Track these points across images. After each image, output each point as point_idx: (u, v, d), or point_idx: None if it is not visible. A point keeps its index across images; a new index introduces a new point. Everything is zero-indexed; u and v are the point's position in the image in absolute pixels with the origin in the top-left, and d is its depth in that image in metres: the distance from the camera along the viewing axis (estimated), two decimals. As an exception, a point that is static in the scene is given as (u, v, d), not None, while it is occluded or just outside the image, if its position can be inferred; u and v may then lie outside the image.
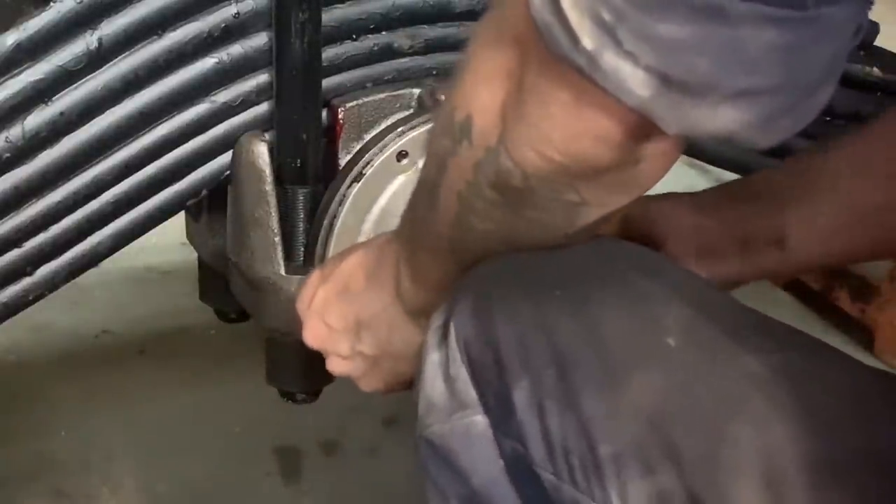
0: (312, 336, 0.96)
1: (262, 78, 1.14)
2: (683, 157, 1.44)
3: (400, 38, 1.19)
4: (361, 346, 0.93)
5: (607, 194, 0.72)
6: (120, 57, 1.07)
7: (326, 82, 1.15)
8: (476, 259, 0.79)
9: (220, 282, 1.28)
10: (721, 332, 0.72)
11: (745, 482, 0.66)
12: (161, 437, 1.62)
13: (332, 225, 1.15)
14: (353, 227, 1.16)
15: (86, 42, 1.05)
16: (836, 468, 0.66)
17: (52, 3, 1.03)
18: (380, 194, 1.16)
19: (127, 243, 1.16)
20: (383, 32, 1.18)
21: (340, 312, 0.94)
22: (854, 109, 1.40)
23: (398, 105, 1.18)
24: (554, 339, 0.74)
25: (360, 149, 1.17)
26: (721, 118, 0.61)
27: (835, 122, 1.39)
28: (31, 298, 1.13)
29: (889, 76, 1.41)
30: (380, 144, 1.16)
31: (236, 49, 1.12)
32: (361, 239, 1.15)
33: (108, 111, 1.08)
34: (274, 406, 1.31)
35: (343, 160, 1.17)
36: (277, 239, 1.15)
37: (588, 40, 0.60)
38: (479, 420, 0.77)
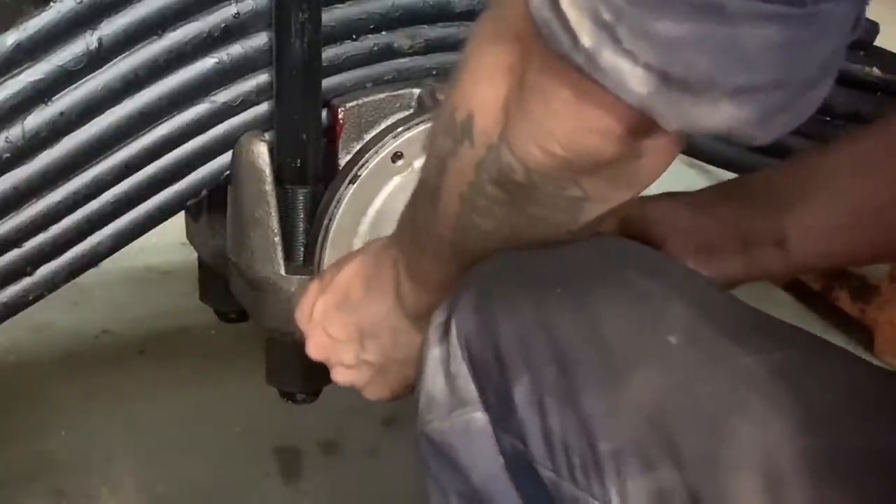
0: (315, 348, 0.96)
1: (262, 78, 1.14)
2: (683, 157, 1.44)
3: (400, 38, 1.19)
4: (366, 355, 0.94)
5: (609, 189, 0.72)
6: (120, 57, 1.07)
7: (326, 82, 1.15)
8: (477, 260, 0.79)
9: (220, 282, 1.28)
10: (721, 331, 0.72)
11: (744, 480, 0.66)
12: (161, 437, 1.62)
13: (328, 226, 1.15)
14: (349, 228, 1.16)
15: (86, 42, 1.05)
16: (835, 466, 0.66)
17: (52, 3, 1.03)
18: (375, 196, 1.16)
19: (127, 243, 1.16)
20: (383, 32, 1.18)
21: (342, 323, 0.94)
22: (854, 109, 1.40)
23: (398, 105, 1.18)
24: (555, 337, 0.74)
25: (360, 149, 1.17)
26: (720, 115, 0.61)
27: (835, 122, 1.40)
28: (31, 298, 1.13)
29: (889, 76, 1.41)
30: (377, 146, 1.16)
31: (236, 49, 1.12)
32: (357, 241, 1.15)
33: (108, 111, 1.08)
34: (274, 406, 1.31)
35: (343, 160, 1.18)
36: (277, 239, 1.15)
37: (587, 38, 0.60)
38: (480, 417, 0.78)
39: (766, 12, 0.58)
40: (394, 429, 1.65)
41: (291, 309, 1.00)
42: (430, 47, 1.21)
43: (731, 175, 1.37)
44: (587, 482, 0.71)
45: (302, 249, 1.18)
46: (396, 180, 1.17)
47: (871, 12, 0.63)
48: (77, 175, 1.09)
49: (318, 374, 1.11)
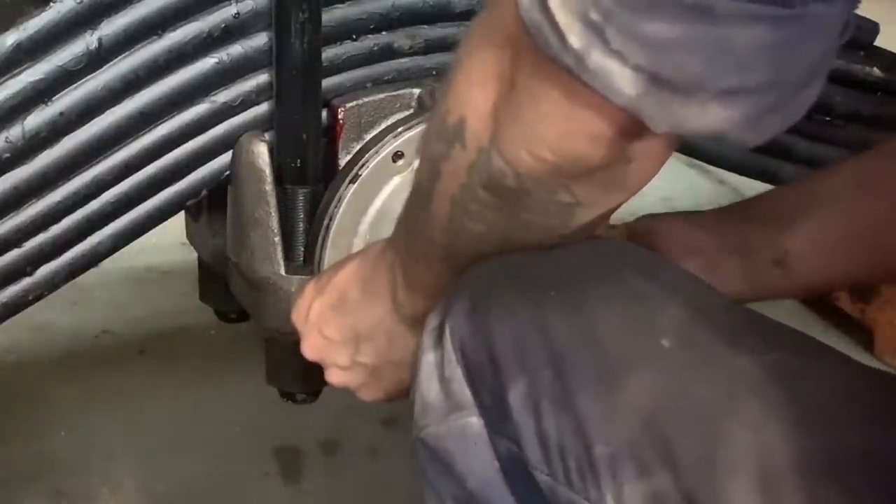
0: (310, 349, 0.97)
1: (262, 78, 1.14)
2: (683, 158, 1.44)
3: (400, 38, 1.19)
4: (361, 357, 0.94)
5: (600, 194, 0.72)
6: (120, 57, 1.07)
7: (326, 82, 1.15)
8: (470, 264, 0.79)
9: (220, 282, 1.28)
10: (717, 333, 0.72)
11: (740, 483, 0.66)
12: (161, 437, 1.62)
13: (328, 226, 1.15)
14: (349, 228, 1.16)
15: (86, 42, 1.05)
16: (831, 467, 0.66)
17: (52, 3, 1.03)
18: (376, 195, 1.16)
19: (127, 243, 1.16)
20: (383, 32, 1.18)
21: (337, 325, 0.94)
22: (854, 109, 1.40)
23: (398, 105, 1.18)
24: (550, 340, 0.74)
25: (360, 149, 1.17)
26: (710, 116, 0.61)
27: (835, 123, 1.40)
28: (31, 298, 1.13)
29: (889, 76, 1.41)
30: (377, 146, 1.16)
31: (236, 49, 1.12)
32: (358, 240, 1.15)
33: (108, 111, 1.08)
34: (274, 406, 1.30)
35: (343, 160, 1.18)
36: (277, 239, 1.15)
37: (576, 39, 0.60)
38: (475, 421, 0.77)
39: (755, 13, 0.58)
40: (393, 429, 1.65)
41: (291, 309, 1.00)
42: (430, 47, 1.21)
43: (731, 175, 1.37)
44: (583, 486, 0.71)
45: (302, 249, 1.18)
46: (397, 180, 1.17)
47: (872, 12, 0.63)
48: (77, 175, 1.09)
49: (317, 375, 1.11)
